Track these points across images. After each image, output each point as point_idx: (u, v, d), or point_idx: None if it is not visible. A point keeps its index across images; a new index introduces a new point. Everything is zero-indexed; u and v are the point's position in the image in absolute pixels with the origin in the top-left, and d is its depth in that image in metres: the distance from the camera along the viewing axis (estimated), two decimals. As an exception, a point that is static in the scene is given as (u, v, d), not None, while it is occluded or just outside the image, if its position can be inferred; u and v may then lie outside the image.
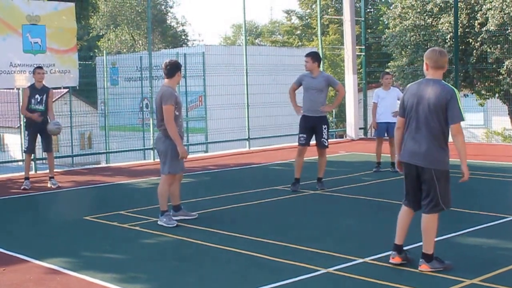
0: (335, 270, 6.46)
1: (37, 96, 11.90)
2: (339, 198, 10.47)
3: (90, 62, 26.07)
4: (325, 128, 10.96)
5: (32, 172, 13.29)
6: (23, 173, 12.28)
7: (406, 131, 6.49)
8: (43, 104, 11.92)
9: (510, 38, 20.29)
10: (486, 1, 21.26)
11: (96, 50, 47.49)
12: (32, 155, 12.56)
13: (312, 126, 10.94)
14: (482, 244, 7.46)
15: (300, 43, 44.82)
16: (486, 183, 11.68)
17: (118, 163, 16.27)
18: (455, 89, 6.33)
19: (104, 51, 25.37)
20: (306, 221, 8.94)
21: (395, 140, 6.76)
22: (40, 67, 12.27)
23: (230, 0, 53.40)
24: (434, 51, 6.46)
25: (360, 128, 20.15)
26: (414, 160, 6.37)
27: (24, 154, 12.34)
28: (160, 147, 8.67)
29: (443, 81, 6.44)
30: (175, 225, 8.50)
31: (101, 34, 51.01)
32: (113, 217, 9.17)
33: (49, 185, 12.06)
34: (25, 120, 12.28)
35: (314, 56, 11.01)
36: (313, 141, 11.10)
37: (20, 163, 15.41)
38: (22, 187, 11.88)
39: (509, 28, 20.19)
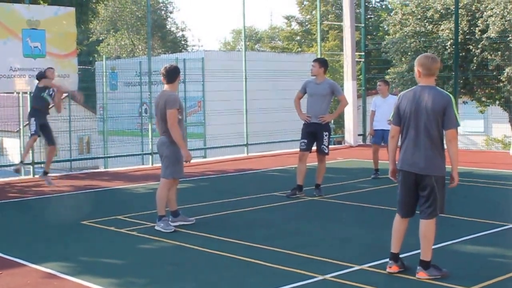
0: (332, 276, 6.44)
1: (49, 90, 12.17)
2: (337, 205, 10.45)
3: (89, 67, 26.10)
4: (326, 135, 10.96)
5: (29, 176, 13.28)
6: (21, 178, 12.26)
7: (404, 139, 6.47)
8: (52, 99, 12.18)
9: (511, 45, 20.29)
10: (487, 8, 21.28)
11: (95, 55, 47.50)
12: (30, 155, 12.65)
13: (314, 132, 10.93)
14: (480, 252, 7.45)
15: (299, 49, 44.86)
16: (486, 191, 11.67)
17: (116, 168, 16.25)
18: (451, 95, 6.35)
19: (104, 56, 25.38)
20: (303, 227, 8.92)
21: (389, 149, 6.73)
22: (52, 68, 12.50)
23: (230, 5, 53.56)
24: (427, 58, 6.42)
25: (359, 135, 20.15)
26: (414, 168, 6.35)
27: (31, 136, 12.28)
28: (164, 151, 8.65)
29: (437, 87, 6.44)
30: (172, 230, 8.48)
31: (100, 39, 51.05)
32: (111, 222, 9.15)
33: (44, 180, 12.12)
34: (33, 108, 12.31)
35: (321, 62, 11.11)
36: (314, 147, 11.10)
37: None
38: (14, 168, 11.93)
39: (509, 35, 20.20)
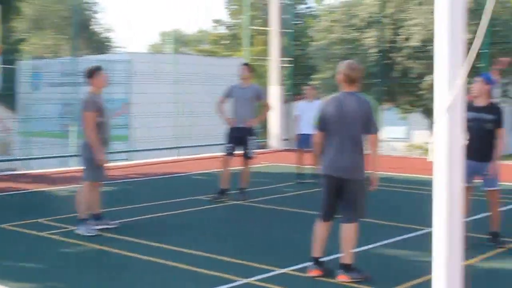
0: (255, 280, 6.49)
1: None
2: (261, 209, 10.52)
3: (12, 66, 25.52)
4: (252, 139, 11.07)
5: None
6: None
7: (329, 145, 6.58)
8: None
9: (431, 54, 20.80)
10: (410, 17, 21.79)
11: (18, 54, 46.47)
12: None
13: (239, 136, 11.00)
14: (399, 255, 7.64)
15: (227, 53, 44.92)
16: (405, 196, 11.96)
17: (39, 169, 15.95)
18: (372, 101, 6.52)
19: (27, 56, 24.89)
20: (227, 231, 8.96)
21: (314, 154, 6.85)
22: None
23: (158, 8, 53.18)
24: (350, 68, 6.56)
25: (284, 139, 20.31)
26: (338, 173, 6.47)
27: None
28: (84, 153, 8.58)
29: (359, 93, 6.58)
30: (95, 234, 8.38)
31: (24, 37, 49.98)
32: (32, 226, 8.98)
33: None
34: None
35: (250, 66, 11.42)
36: (239, 151, 11.15)
37: None
38: None
39: (431, 44, 20.70)
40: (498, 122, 7.88)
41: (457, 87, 3.57)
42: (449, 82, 3.61)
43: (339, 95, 6.59)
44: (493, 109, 7.97)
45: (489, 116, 7.86)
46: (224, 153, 11.15)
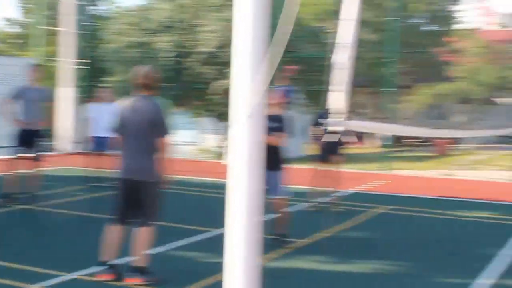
0: (42, 287, 6.31)
1: None
2: (50, 213, 10.24)
3: None
4: (41, 141, 10.84)
5: None
6: None
7: (124, 147, 6.58)
8: None
9: (224, 60, 21.31)
10: (205, 24, 22.21)
11: None
12: None
13: (29, 139, 10.68)
14: (191, 256, 7.77)
15: (19, 53, 43.17)
16: (197, 199, 12.18)
17: None
18: (164, 105, 6.63)
19: None
20: (13, 237, 8.64)
21: (110, 157, 6.81)
22: None
23: None
24: (145, 74, 6.62)
25: (76, 142, 19.86)
26: (132, 175, 6.48)
27: None
28: None
29: (153, 97, 6.64)
30: None
31: None
32: None
33: None
34: None
35: (40, 67, 11.30)
36: (28, 154, 10.81)
37: None
38: None
39: (224, 50, 21.20)
40: (281, 129, 8.29)
41: (258, 94, 3.58)
42: (249, 89, 3.57)
43: (133, 99, 6.62)
44: (277, 117, 8.32)
45: (274, 124, 8.18)
46: (11, 156, 10.75)
